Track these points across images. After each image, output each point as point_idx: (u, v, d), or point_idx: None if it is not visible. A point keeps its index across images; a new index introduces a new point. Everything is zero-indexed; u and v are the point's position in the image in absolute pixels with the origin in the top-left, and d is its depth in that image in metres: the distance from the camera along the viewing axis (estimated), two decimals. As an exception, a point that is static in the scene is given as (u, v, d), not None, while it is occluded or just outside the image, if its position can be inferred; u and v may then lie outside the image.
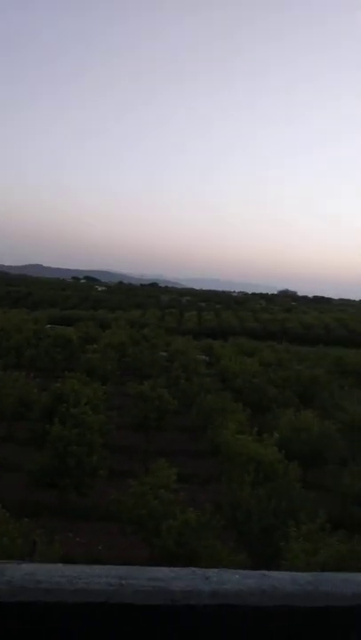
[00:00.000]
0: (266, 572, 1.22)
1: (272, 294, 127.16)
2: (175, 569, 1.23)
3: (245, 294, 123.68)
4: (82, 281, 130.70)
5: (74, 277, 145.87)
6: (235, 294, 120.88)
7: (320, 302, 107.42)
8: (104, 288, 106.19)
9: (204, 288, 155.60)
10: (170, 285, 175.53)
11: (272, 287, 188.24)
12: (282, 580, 1.18)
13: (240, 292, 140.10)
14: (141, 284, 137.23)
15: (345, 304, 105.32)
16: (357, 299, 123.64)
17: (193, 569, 1.23)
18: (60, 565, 1.28)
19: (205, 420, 15.48)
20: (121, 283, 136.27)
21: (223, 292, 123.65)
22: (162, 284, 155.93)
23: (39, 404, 14.08)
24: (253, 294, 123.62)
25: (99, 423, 12.16)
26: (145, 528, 9.13)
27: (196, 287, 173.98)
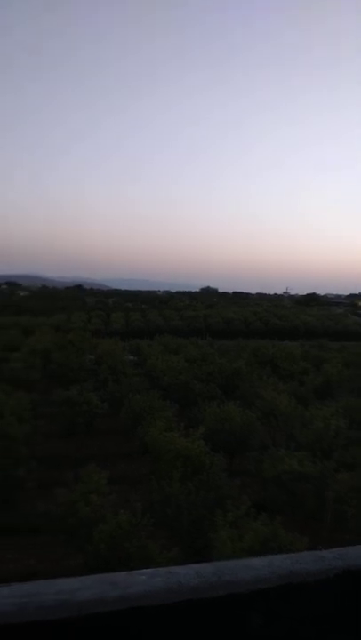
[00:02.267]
0: (172, 569, 1.23)
1: (195, 292, 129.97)
2: (83, 578, 1.21)
3: (170, 293, 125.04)
4: (2, 286, 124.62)
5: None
6: (160, 293, 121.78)
7: (240, 298, 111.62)
8: (27, 293, 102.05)
9: (130, 289, 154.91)
10: (95, 287, 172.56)
11: (195, 285, 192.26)
12: (187, 576, 1.19)
13: (165, 290, 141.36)
14: (66, 287, 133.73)
15: (262, 298, 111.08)
16: (272, 292, 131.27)
17: (100, 575, 1.22)
18: None
19: (135, 420, 15.57)
20: (44, 287, 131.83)
21: (149, 292, 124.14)
22: (87, 287, 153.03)
23: None
24: (178, 292, 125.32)
25: (24, 434, 11.82)
26: (77, 536, 9.05)
27: (122, 288, 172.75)
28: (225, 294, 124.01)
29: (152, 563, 7.89)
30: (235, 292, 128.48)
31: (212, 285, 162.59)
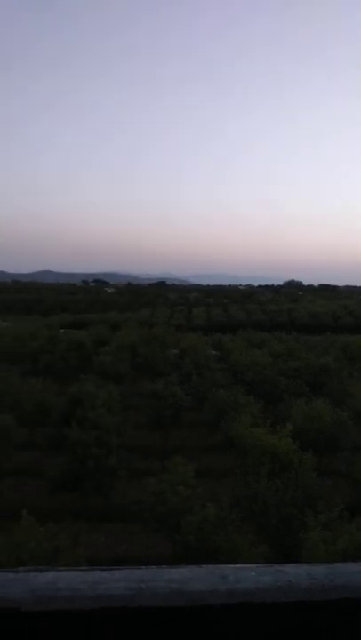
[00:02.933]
0: (281, 568, 1.22)
1: (278, 285, 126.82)
2: (193, 568, 1.24)
3: (252, 287, 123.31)
4: (91, 284, 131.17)
5: (83, 281, 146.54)
6: (241, 288, 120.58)
7: (326, 291, 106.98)
8: (113, 290, 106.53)
9: (210, 284, 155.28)
10: (177, 283, 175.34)
11: (278, 279, 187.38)
12: (298, 576, 1.18)
13: (246, 285, 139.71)
14: (149, 284, 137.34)
15: (351, 291, 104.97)
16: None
17: (210, 567, 1.24)
18: (80, 571, 1.34)
19: (219, 414, 15.61)
20: (129, 284, 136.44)
21: (230, 287, 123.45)
22: (169, 283, 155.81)
23: (57, 409, 14.32)
24: (260, 287, 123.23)
25: (115, 424, 12.35)
26: (166, 525, 9.29)
27: (203, 283, 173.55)
28: (310, 287, 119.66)
29: (241, 558, 7.89)
30: (321, 285, 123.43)
31: (296, 278, 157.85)
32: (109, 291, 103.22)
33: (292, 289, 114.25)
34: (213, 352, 31.01)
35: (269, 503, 9.14)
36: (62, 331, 35.72)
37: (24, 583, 1.24)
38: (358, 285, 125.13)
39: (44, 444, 14.71)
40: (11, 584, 1.27)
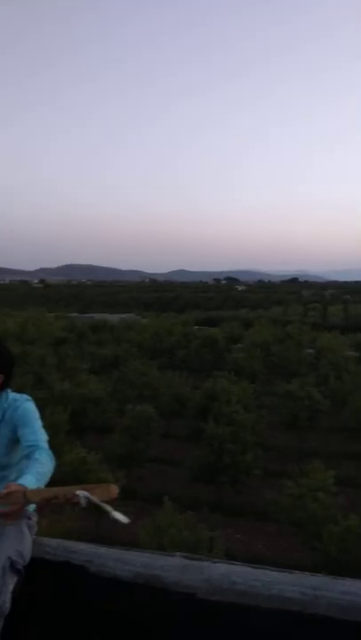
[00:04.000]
0: None
1: None
2: None
3: None
4: (223, 282, 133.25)
5: (215, 279, 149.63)
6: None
7: None
8: (244, 287, 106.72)
9: (348, 280, 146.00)
10: (311, 280, 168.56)
11: None
12: None
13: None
14: (282, 281, 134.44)
15: None
16: None
17: None
18: (251, 568, 1.34)
19: (361, 421, 14.58)
20: (261, 281, 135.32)
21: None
22: (302, 280, 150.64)
23: (193, 402, 14.80)
24: None
25: (250, 422, 12.32)
26: (304, 531, 8.98)
27: (341, 280, 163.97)
28: None
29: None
30: None
31: None
32: (240, 288, 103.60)
33: None
34: (352, 353, 29.05)
35: None
36: (196, 327, 36.85)
37: (199, 572, 1.27)
38: None
39: (181, 434, 15.33)
40: (185, 570, 1.31)
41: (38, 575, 1.64)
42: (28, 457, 2.07)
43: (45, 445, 2.12)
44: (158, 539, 7.66)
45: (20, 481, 1.86)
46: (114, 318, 42.17)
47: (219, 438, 11.21)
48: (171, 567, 1.29)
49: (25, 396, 2.28)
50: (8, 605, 1.70)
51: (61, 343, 25.72)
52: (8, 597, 1.71)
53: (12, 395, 2.26)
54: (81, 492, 1.63)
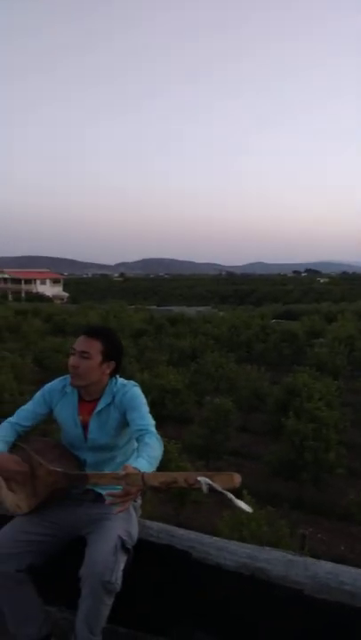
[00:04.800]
0: None
1: None
2: None
3: None
4: (303, 274, 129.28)
5: (295, 271, 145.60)
6: None
7: None
8: (326, 280, 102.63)
9: None
10: None
11: None
12: None
13: None
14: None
15: None
16: None
17: None
18: (357, 570, 1.28)
19: None
20: (345, 273, 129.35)
21: None
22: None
23: (272, 396, 14.54)
24: None
25: (334, 419, 11.84)
26: (393, 536, 8.49)
27: None
28: None
29: None
30: None
31: None
32: (322, 281, 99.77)
33: None
34: None
35: None
36: (274, 321, 36.11)
37: (304, 568, 1.23)
38: None
39: (259, 429, 15.13)
40: (291, 565, 1.27)
41: (143, 556, 1.68)
42: (138, 440, 2.14)
43: (154, 430, 2.18)
44: (238, 532, 7.62)
45: (134, 464, 1.89)
46: (191, 311, 42.57)
47: (300, 434, 10.91)
48: (276, 561, 1.26)
49: (132, 382, 2.36)
50: (120, 583, 1.75)
51: (141, 335, 26.41)
52: (119, 575, 1.75)
53: (120, 380, 2.35)
54: (203, 479, 1.64)
